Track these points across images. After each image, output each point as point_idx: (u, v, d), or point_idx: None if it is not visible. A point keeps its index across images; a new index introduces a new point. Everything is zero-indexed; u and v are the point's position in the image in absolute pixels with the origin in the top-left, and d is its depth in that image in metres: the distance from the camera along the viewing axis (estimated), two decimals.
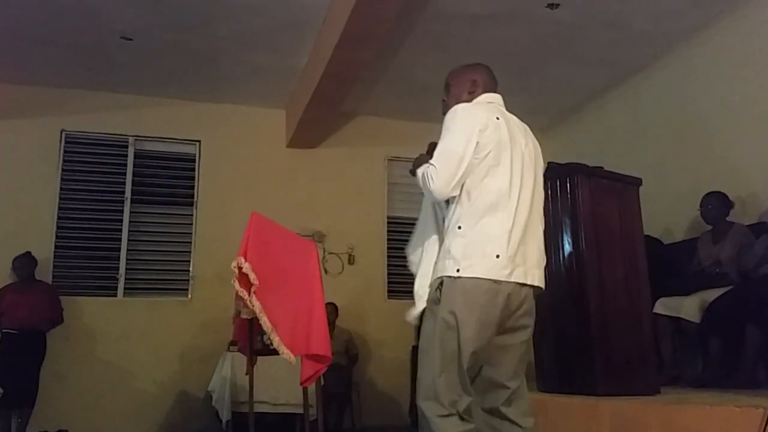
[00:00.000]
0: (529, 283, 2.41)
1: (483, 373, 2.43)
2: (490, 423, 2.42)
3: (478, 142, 2.39)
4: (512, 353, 2.45)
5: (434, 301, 2.44)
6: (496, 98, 2.65)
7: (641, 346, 3.77)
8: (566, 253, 3.86)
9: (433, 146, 2.52)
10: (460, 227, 2.40)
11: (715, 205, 4.85)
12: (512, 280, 2.36)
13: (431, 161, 2.44)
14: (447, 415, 2.30)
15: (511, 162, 2.43)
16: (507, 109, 2.61)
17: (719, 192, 4.86)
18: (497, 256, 2.34)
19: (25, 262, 6.03)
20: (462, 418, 2.31)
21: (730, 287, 4.41)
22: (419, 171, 2.48)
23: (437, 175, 2.39)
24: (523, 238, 2.41)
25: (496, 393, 2.42)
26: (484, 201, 2.40)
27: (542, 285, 2.48)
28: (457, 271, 2.36)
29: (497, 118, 2.46)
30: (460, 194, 2.43)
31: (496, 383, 2.42)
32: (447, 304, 2.37)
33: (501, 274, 2.34)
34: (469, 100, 2.61)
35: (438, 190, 2.41)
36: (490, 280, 2.33)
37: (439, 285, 2.42)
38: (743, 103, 5.23)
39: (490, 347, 2.39)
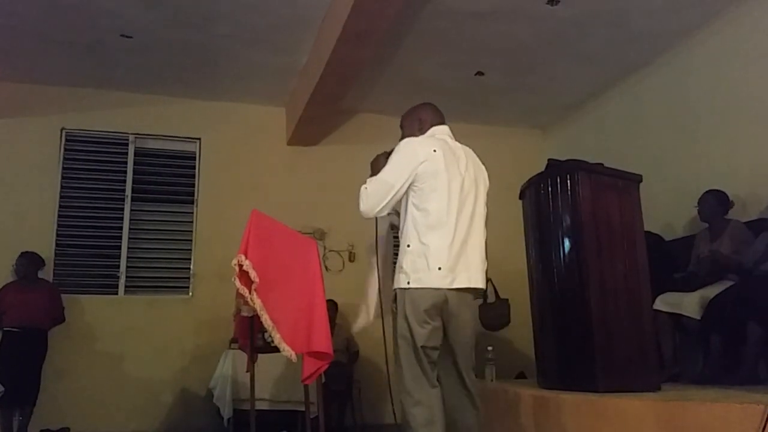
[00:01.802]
0: (471, 286, 2.90)
1: (443, 361, 2.93)
2: (449, 400, 2.92)
3: (416, 173, 2.88)
4: (461, 345, 2.95)
5: (392, 311, 2.93)
6: (441, 130, 3.11)
7: (642, 342, 3.77)
8: (566, 250, 3.86)
9: (385, 156, 3.04)
10: (408, 245, 2.87)
11: (711, 203, 4.86)
12: (453, 286, 2.84)
13: (367, 183, 2.97)
14: (416, 404, 2.82)
15: (449, 186, 2.88)
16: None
17: (716, 190, 4.87)
18: (439, 269, 2.81)
19: (24, 262, 6.02)
20: (428, 407, 2.81)
21: (731, 284, 4.41)
22: (362, 187, 2.98)
23: (367, 198, 2.93)
24: (464, 249, 2.87)
25: (454, 374, 2.96)
26: (427, 221, 2.85)
27: (483, 286, 2.97)
28: (408, 283, 2.84)
29: (434, 150, 2.92)
30: (406, 216, 2.92)
31: (453, 368, 2.95)
32: (401, 311, 2.87)
33: (443, 283, 2.82)
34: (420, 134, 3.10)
35: (364, 211, 2.94)
36: (433, 288, 2.82)
37: (395, 296, 2.91)
38: (743, 100, 5.23)
39: (442, 342, 2.90)
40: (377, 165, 3.08)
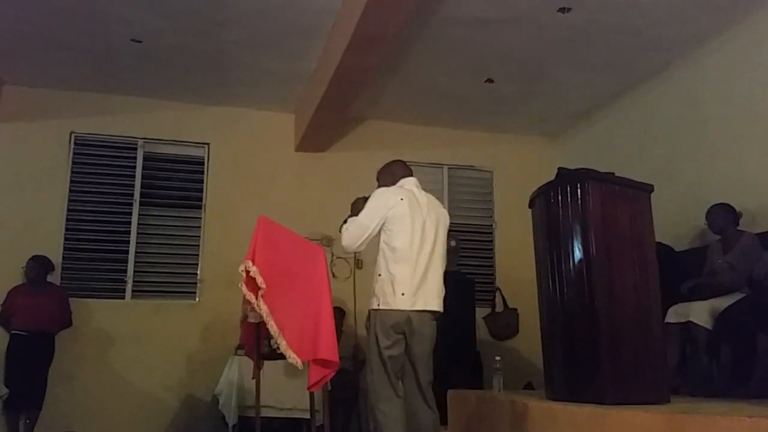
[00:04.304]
0: (428, 309, 3.56)
1: (405, 372, 3.57)
2: (410, 403, 3.55)
3: (387, 217, 3.57)
4: (419, 358, 3.58)
5: (367, 327, 3.62)
6: (409, 181, 3.81)
7: (651, 354, 3.73)
8: (576, 260, 3.83)
9: (363, 200, 3.71)
10: (379, 275, 3.57)
11: (721, 215, 4.83)
12: (414, 308, 3.50)
13: (348, 222, 3.65)
14: (381, 412, 3.48)
15: (412, 227, 3.56)
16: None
17: (723, 203, 4.86)
18: (402, 294, 3.48)
19: (34, 266, 6.04)
20: (392, 416, 3.47)
21: (744, 296, 4.37)
22: (344, 225, 3.68)
23: (348, 236, 3.62)
24: (424, 279, 3.54)
25: (415, 385, 3.59)
26: (394, 256, 3.54)
27: (440, 309, 3.64)
28: (378, 305, 3.53)
29: (401, 199, 3.61)
30: (378, 250, 3.60)
31: (412, 378, 3.58)
32: (372, 328, 3.54)
33: (405, 305, 3.48)
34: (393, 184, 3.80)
35: (345, 247, 3.67)
36: (398, 310, 3.47)
37: (368, 316, 3.61)
38: (754, 109, 5.19)
39: (405, 355, 3.54)
40: (356, 207, 3.73)
